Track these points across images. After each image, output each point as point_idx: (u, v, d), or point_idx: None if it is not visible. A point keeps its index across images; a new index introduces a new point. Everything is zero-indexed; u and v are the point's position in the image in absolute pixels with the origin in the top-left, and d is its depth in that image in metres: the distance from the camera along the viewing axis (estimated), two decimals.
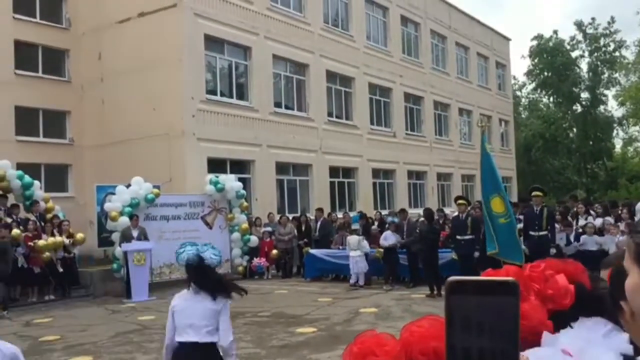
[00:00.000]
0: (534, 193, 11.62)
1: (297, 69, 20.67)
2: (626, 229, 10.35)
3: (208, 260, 3.93)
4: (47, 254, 12.44)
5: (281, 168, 19.48)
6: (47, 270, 12.52)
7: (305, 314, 10.10)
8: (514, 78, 44.19)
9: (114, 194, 13.87)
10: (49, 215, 13.58)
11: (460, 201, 12.69)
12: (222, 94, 18.00)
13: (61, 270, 12.82)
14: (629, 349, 1.28)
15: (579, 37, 42.66)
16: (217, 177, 15.45)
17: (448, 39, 29.40)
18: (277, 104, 19.57)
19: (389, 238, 13.40)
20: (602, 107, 44.00)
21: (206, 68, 17.49)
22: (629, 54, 41.82)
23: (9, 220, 12.45)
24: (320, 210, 17.18)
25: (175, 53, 16.41)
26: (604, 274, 1.55)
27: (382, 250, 13.52)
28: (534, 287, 1.49)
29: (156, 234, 13.86)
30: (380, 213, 18.00)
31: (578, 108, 43.61)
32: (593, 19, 42.49)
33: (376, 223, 15.99)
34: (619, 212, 13.08)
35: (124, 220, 13.24)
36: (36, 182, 13.86)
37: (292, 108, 20.40)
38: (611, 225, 11.90)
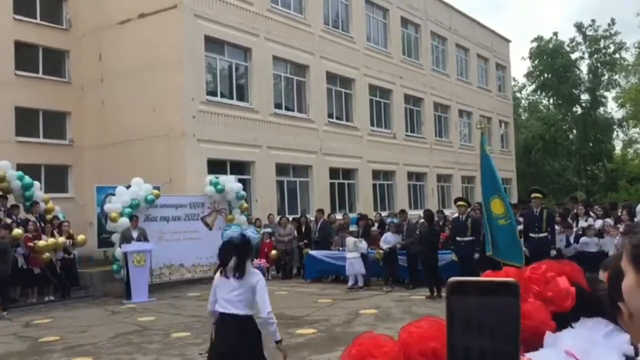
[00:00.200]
0: (533, 195, 11.63)
1: (297, 70, 20.69)
2: (624, 231, 10.37)
3: (251, 236, 4.40)
4: (47, 254, 12.44)
5: (281, 169, 19.49)
6: (47, 271, 12.52)
7: (305, 315, 10.10)
8: (514, 80, 44.26)
9: (114, 194, 13.87)
10: (48, 216, 13.57)
11: (460, 202, 12.69)
12: (222, 95, 18.01)
13: (59, 271, 12.81)
14: (630, 350, 1.28)
15: (579, 39, 42.73)
16: (217, 178, 15.45)
17: (448, 40, 29.42)
18: (278, 105, 19.58)
19: (388, 239, 13.40)
20: (602, 109, 44.04)
21: (206, 69, 17.50)
22: (629, 56, 41.91)
23: (8, 220, 12.45)
24: (320, 211, 17.18)
25: (176, 54, 16.42)
26: (603, 275, 1.55)
27: (381, 251, 13.52)
28: (534, 289, 1.50)
29: (156, 235, 13.86)
30: (380, 214, 18.00)
31: (578, 110, 43.62)
32: (593, 20, 42.65)
33: (376, 224, 15.99)
34: (619, 213, 13.09)
35: (124, 221, 13.23)
36: (36, 183, 13.85)
37: (292, 109, 20.41)
38: (611, 227, 11.90)
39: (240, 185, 15.75)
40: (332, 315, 10.12)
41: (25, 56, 17.82)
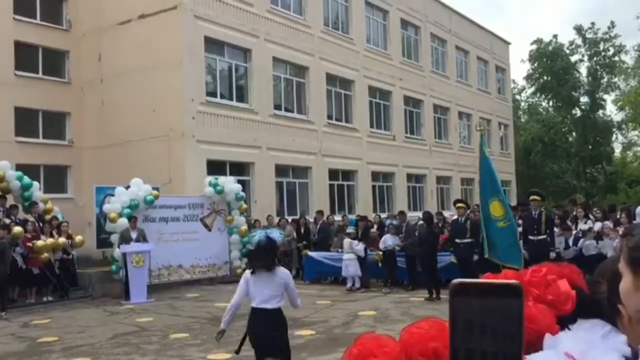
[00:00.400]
0: (531, 197, 11.63)
1: (297, 71, 20.69)
2: (624, 233, 10.37)
3: (277, 239, 4.97)
4: (46, 254, 12.43)
5: (280, 170, 19.48)
6: (46, 271, 12.50)
7: (304, 317, 10.08)
8: (514, 82, 44.27)
9: (113, 195, 13.87)
10: (47, 217, 13.57)
11: (459, 204, 12.70)
12: (222, 96, 18.01)
13: (58, 271, 12.80)
14: (627, 351, 1.28)
15: (579, 41, 42.74)
16: (216, 179, 15.44)
17: (448, 42, 29.45)
18: (277, 107, 19.58)
19: (388, 241, 13.38)
20: (601, 112, 44.05)
21: (206, 70, 17.50)
22: (628, 59, 41.91)
23: (7, 221, 12.44)
24: (320, 212, 17.18)
25: (176, 55, 16.42)
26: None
27: (380, 253, 13.51)
28: (534, 292, 1.49)
29: (155, 235, 13.84)
30: (380, 216, 18.00)
31: (577, 112, 43.64)
32: (593, 23, 42.55)
33: (375, 226, 15.98)
34: (618, 216, 13.10)
35: (123, 221, 13.23)
36: (35, 183, 13.84)
37: (292, 110, 20.41)
38: (610, 230, 11.90)
39: (239, 187, 15.74)
40: (330, 316, 10.11)
41: (25, 56, 17.82)
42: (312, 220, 17.07)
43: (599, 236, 11.89)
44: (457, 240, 12.15)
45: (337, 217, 18.16)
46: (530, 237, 11.19)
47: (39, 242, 12.34)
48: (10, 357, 7.96)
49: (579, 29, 42.51)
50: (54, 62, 18.69)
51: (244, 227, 15.55)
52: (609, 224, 12.52)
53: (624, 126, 44.16)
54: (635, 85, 40.19)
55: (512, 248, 9.99)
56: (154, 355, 7.71)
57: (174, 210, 14.73)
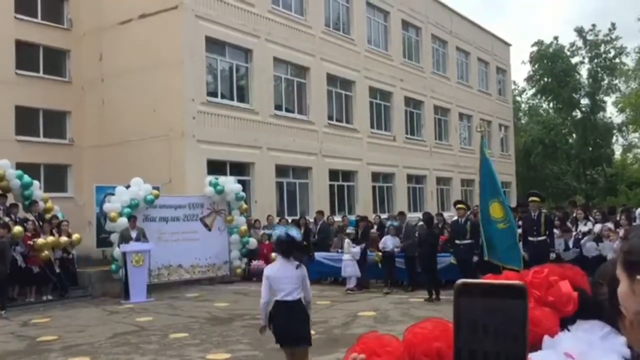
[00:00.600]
0: (531, 199, 11.63)
1: (297, 71, 20.69)
2: (624, 235, 10.36)
3: (295, 236, 5.40)
4: (46, 252, 12.43)
5: (281, 171, 19.48)
6: (46, 270, 12.50)
7: None
8: (514, 83, 44.30)
9: (113, 194, 13.86)
10: (47, 216, 13.56)
11: (459, 205, 12.70)
12: (222, 96, 18.01)
13: (58, 270, 12.80)
14: (627, 353, 1.28)
15: (579, 43, 42.76)
16: (216, 179, 15.44)
17: (449, 43, 29.45)
18: (278, 107, 19.59)
19: (387, 243, 13.36)
20: (601, 114, 44.06)
21: (207, 70, 17.50)
22: (629, 61, 41.91)
23: (7, 219, 12.43)
24: (320, 213, 17.18)
25: (176, 55, 16.42)
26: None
27: (380, 254, 13.50)
28: (535, 293, 1.49)
29: (155, 235, 13.84)
30: (380, 217, 17.99)
31: (578, 114, 43.64)
32: (594, 25, 42.64)
33: (375, 227, 15.97)
34: (618, 218, 13.08)
35: (123, 221, 13.22)
36: (35, 182, 13.84)
37: (293, 111, 20.41)
38: (610, 231, 11.89)
39: (239, 187, 15.74)
40: (330, 317, 10.10)
41: (26, 55, 17.82)
42: (312, 220, 17.06)
43: (598, 238, 11.89)
44: (457, 241, 12.15)
45: (337, 218, 18.16)
46: (530, 239, 11.19)
47: (40, 240, 12.35)
48: (10, 355, 7.96)
49: (579, 31, 42.54)
50: (54, 61, 18.70)
51: (244, 227, 15.55)
52: (608, 225, 12.51)
53: (624, 128, 44.17)
54: (636, 87, 40.18)
55: (511, 249, 9.99)
56: (153, 355, 7.71)
57: (174, 210, 14.72)
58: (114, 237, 13.41)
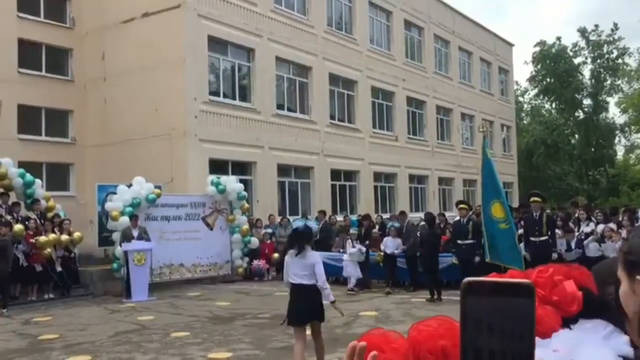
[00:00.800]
0: (532, 199, 11.61)
1: (300, 71, 20.69)
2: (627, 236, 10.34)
3: (313, 227, 6.25)
4: (48, 250, 12.44)
5: (283, 170, 19.48)
6: (48, 268, 12.52)
7: None
8: (517, 84, 44.24)
9: (115, 193, 13.87)
10: (49, 214, 13.58)
11: (461, 205, 12.67)
12: (224, 96, 18.02)
13: (59, 269, 12.82)
14: (629, 351, 1.27)
15: (582, 43, 42.68)
16: (218, 178, 15.44)
17: (451, 43, 29.43)
18: (280, 106, 19.59)
19: (389, 244, 13.33)
20: (604, 114, 43.99)
21: (209, 69, 17.50)
22: (632, 61, 41.87)
23: (9, 218, 12.45)
24: (322, 212, 17.17)
25: (179, 54, 16.42)
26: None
27: (382, 254, 13.49)
28: (539, 292, 1.48)
29: (157, 234, 13.86)
30: (382, 217, 17.98)
31: (580, 114, 43.58)
32: (596, 25, 42.48)
33: (377, 227, 15.96)
34: (620, 218, 13.05)
35: (125, 219, 13.23)
36: (37, 181, 13.86)
37: (295, 110, 20.41)
38: (612, 232, 11.87)
39: (241, 186, 15.75)
40: (331, 316, 10.02)
41: (29, 54, 17.84)
42: (313, 220, 17.04)
43: (601, 239, 11.87)
44: (459, 242, 12.13)
45: (339, 218, 18.15)
46: (532, 239, 11.17)
47: (42, 238, 12.36)
48: (12, 354, 7.96)
49: (582, 31, 42.46)
50: (57, 60, 18.71)
51: (246, 226, 15.55)
52: (612, 226, 12.49)
53: (626, 129, 44.12)
54: (639, 87, 40.13)
55: (512, 250, 9.98)
56: (154, 354, 7.71)
57: (176, 209, 14.73)
58: (116, 236, 13.42)
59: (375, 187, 23.61)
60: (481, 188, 11.12)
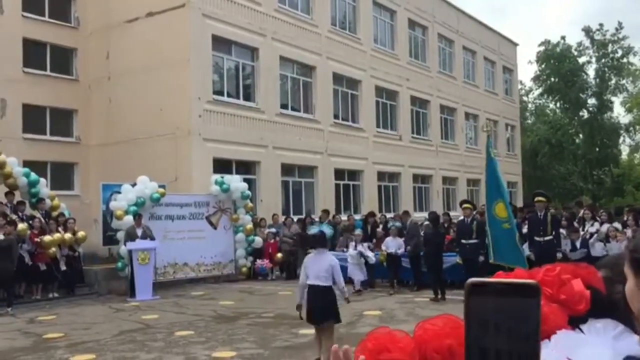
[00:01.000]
0: (536, 198, 11.59)
1: (303, 70, 20.69)
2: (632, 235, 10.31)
3: (327, 232, 6.84)
4: (53, 249, 12.47)
5: (286, 169, 19.49)
6: (53, 267, 12.55)
7: None
8: (521, 83, 44.10)
9: (119, 192, 13.90)
10: (54, 213, 13.62)
11: (465, 205, 12.65)
12: (228, 95, 18.03)
13: (64, 268, 12.85)
14: (638, 351, 1.27)
15: (587, 43, 42.52)
16: (222, 177, 15.46)
17: (455, 43, 29.38)
18: (284, 106, 19.59)
19: (390, 244, 13.30)
20: (609, 114, 43.82)
21: (213, 69, 17.52)
22: (636, 61, 41.69)
23: (14, 217, 12.49)
24: (325, 212, 17.17)
25: (183, 53, 16.44)
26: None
27: (385, 254, 13.47)
28: (546, 291, 1.48)
29: (161, 233, 13.88)
30: (385, 216, 17.95)
31: (585, 114, 43.42)
32: (601, 25, 42.28)
33: (381, 226, 15.93)
34: (624, 218, 13.02)
35: (129, 219, 13.26)
36: (42, 180, 13.89)
37: (299, 110, 20.41)
38: (617, 232, 11.84)
39: (245, 185, 15.76)
40: None
41: (34, 54, 17.88)
42: (317, 219, 17.03)
43: (606, 238, 11.84)
44: (463, 241, 12.12)
45: (343, 217, 18.14)
46: (536, 238, 11.15)
47: (46, 237, 12.40)
48: (16, 352, 7.99)
49: (587, 31, 42.29)
50: (62, 60, 18.76)
51: (250, 225, 15.56)
52: (617, 225, 12.45)
53: (631, 128, 43.97)
54: None
55: (514, 250, 9.95)
56: (158, 353, 7.72)
57: (180, 208, 14.75)
58: (120, 235, 13.45)
59: (379, 187, 23.59)
60: (485, 188, 11.09)
